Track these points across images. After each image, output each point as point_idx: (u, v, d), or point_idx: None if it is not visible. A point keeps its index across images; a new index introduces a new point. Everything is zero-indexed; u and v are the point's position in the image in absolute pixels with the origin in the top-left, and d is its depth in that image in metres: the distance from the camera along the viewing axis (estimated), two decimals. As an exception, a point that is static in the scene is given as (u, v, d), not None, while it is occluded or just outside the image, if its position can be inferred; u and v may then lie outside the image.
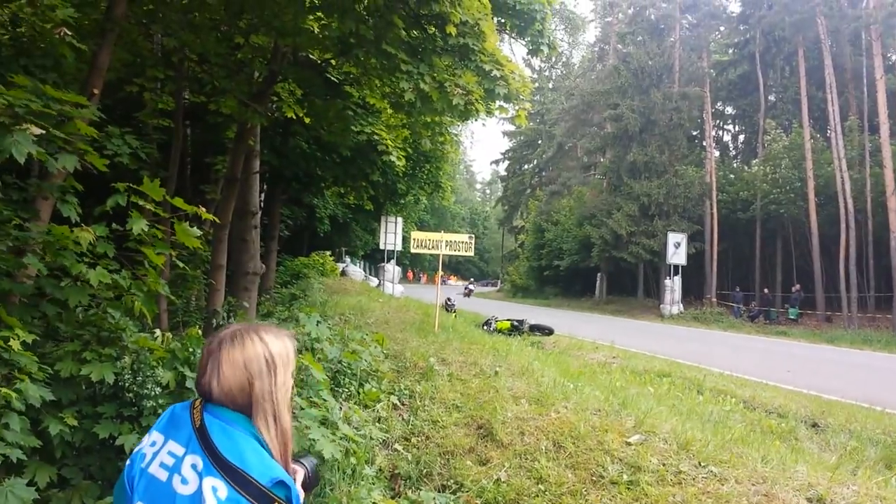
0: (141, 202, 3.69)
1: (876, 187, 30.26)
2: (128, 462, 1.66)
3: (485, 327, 16.76)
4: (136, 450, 1.67)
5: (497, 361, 7.33)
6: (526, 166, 70.39)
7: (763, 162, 37.21)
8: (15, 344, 3.17)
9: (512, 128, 67.28)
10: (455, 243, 10.88)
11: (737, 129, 49.66)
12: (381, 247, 25.75)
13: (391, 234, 25.20)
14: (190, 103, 8.74)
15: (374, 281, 33.84)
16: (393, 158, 11.33)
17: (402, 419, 5.70)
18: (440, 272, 12.65)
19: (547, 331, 16.93)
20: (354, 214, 24.09)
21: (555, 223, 51.73)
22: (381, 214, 23.81)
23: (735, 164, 45.04)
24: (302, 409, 4.10)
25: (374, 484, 3.87)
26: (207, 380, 1.62)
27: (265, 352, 1.66)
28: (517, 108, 6.78)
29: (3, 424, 3.03)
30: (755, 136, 43.49)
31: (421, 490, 4.56)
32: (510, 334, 15.67)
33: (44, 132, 3.13)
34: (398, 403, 5.93)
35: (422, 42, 6.36)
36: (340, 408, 4.30)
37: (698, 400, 9.01)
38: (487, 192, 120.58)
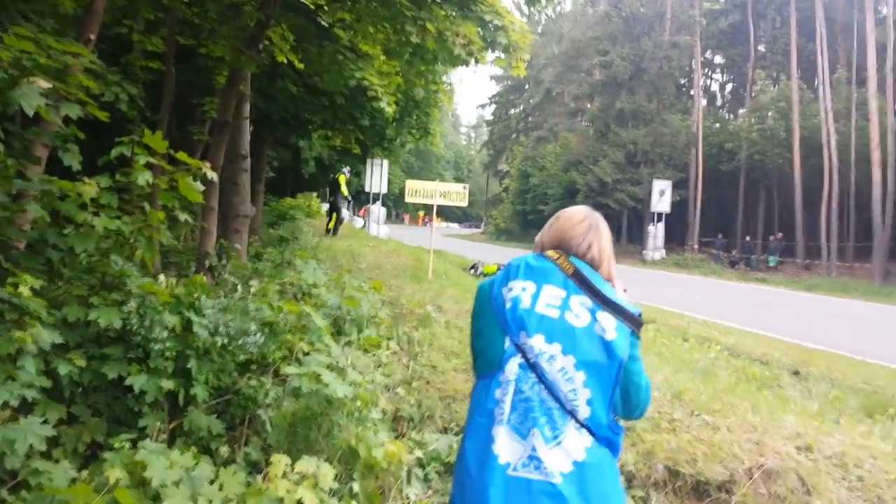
0: (144, 155, 3.72)
1: (861, 140, 30.48)
2: (508, 306, 1.94)
3: (471, 271, 16.91)
4: (508, 296, 1.96)
5: (493, 308, 7.44)
6: (512, 111, 69.90)
7: (750, 112, 37.29)
8: (24, 290, 3.23)
9: (500, 72, 66.40)
10: (449, 193, 10.95)
11: (725, 78, 49.58)
12: (367, 189, 25.71)
13: (377, 177, 25.18)
14: (179, 45, 8.58)
15: (359, 221, 33.87)
16: (383, 105, 11.18)
17: (402, 364, 5.82)
18: (434, 217, 12.68)
19: (533, 276, 17.09)
20: (340, 156, 23.86)
21: (540, 168, 51.75)
22: (368, 157, 23.65)
23: (722, 114, 45.04)
24: (307, 354, 4.22)
25: (378, 426, 4.02)
26: (586, 241, 2.09)
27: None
28: (516, 58, 6.75)
29: (19, 366, 3.12)
30: (743, 87, 43.45)
31: (424, 431, 4.73)
32: (496, 279, 15.83)
33: (50, 86, 3.13)
34: (397, 349, 6.07)
35: (421, -11, 6.30)
36: (343, 353, 4.42)
37: (684, 346, 9.24)
38: (472, 135, 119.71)
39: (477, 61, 7.20)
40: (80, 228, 3.77)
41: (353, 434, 3.78)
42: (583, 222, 2.13)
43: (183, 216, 3.98)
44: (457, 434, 4.76)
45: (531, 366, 1.88)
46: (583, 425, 1.86)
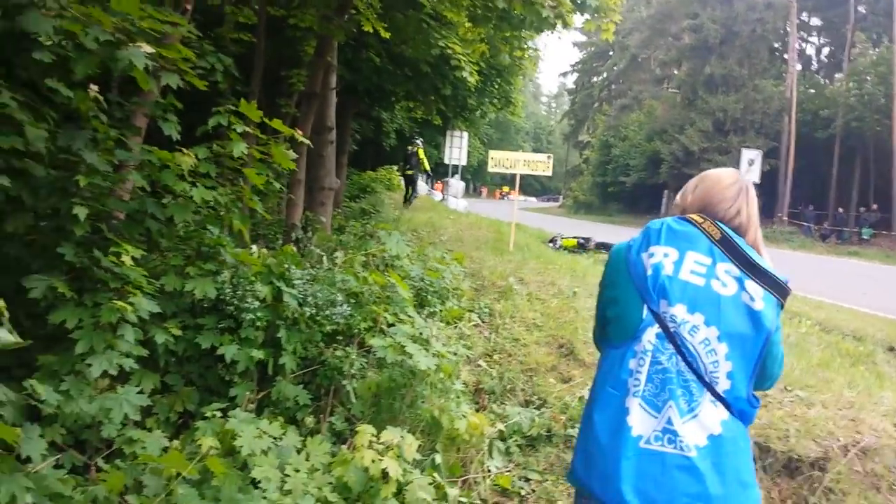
0: (239, 124, 3.76)
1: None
2: (649, 273, 1.86)
3: (550, 244, 16.72)
4: (650, 262, 1.87)
5: (574, 282, 7.36)
6: (595, 79, 68.23)
7: (848, 77, 35.24)
8: (127, 259, 3.32)
9: (583, 38, 64.74)
10: (533, 162, 10.79)
11: (821, 41, 46.89)
12: (446, 161, 25.53)
13: (456, 149, 24.95)
14: (269, 16, 8.67)
15: (437, 195, 33.91)
16: (465, 74, 11.05)
17: (484, 337, 5.82)
18: (517, 190, 12.50)
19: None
20: (421, 128, 23.89)
21: (623, 138, 50.43)
22: (448, 129, 23.51)
23: (817, 79, 42.78)
24: (391, 325, 4.23)
25: (461, 398, 4.01)
26: (735, 206, 1.98)
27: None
28: (605, 21, 6.53)
29: (119, 336, 3.22)
30: (841, 50, 41.09)
31: (506, 405, 4.70)
32: (576, 252, 15.62)
33: (154, 51, 3.18)
34: (479, 321, 6.04)
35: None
36: (426, 325, 4.41)
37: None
38: (553, 105, 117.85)
39: (565, 24, 6.99)
40: (177, 199, 3.86)
41: (435, 405, 3.78)
42: (733, 185, 2.03)
43: (277, 185, 4.02)
44: (538, 408, 4.71)
45: (670, 336, 1.81)
46: (719, 398, 1.79)
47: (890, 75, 31.68)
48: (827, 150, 36.54)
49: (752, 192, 2.05)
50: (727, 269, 1.83)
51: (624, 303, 1.91)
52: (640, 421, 1.79)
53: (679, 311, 1.81)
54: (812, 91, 39.84)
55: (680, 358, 1.79)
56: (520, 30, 7.98)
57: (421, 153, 20.11)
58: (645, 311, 1.84)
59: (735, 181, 2.04)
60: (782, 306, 1.86)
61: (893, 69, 31.48)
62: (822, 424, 4.13)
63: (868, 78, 33.21)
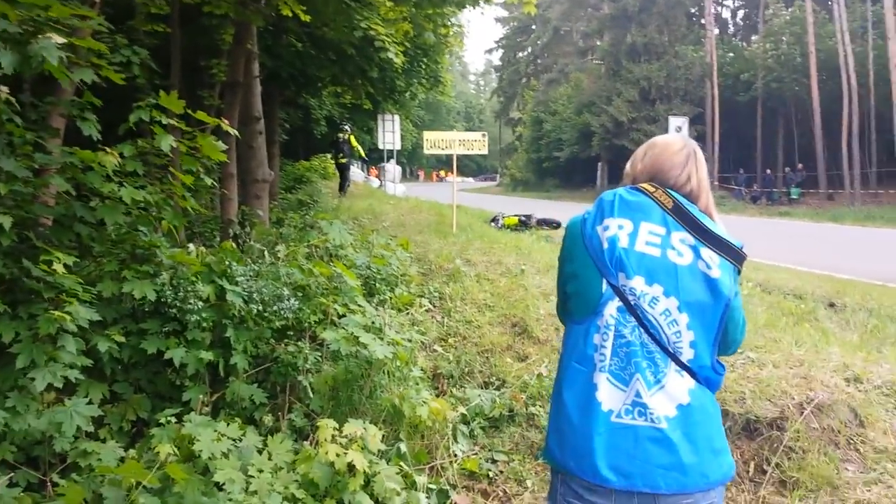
0: (162, 117, 3.61)
1: (878, 60, 29.69)
2: (605, 246, 1.83)
3: (492, 224, 16.81)
4: (605, 236, 1.84)
5: (521, 260, 7.38)
6: (520, 54, 68.55)
7: (764, 38, 36.36)
8: (59, 267, 3.17)
9: (505, 13, 64.89)
10: (468, 142, 10.77)
11: (736, 4, 48.23)
12: (380, 146, 25.31)
13: (389, 133, 24.75)
14: (182, 5, 8.37)
15: (374, 182, 33.67)
16: (391, 55, 10.91)
17: (437, 321, 5.80)
18: (453, 172, 12.49)
19: (554, 224, 16.99)
20: (351, 114, 23.60)
21: (553, 113, 50.93)
22: (378, 113, 23.28)
23: (735, 42, 43.97)
24: (342, 316, 4.16)
25: (420, 384, 3.97)
26: (685, 172, 1.97)
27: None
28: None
29: (59, 347, 3.08)
30: (756, 12, 42.36)
31: (465, 388, 4.69)
32: (518, 229, 15.74)
33: (66, 41, 3.00)
34: (430, 306, 6.00)
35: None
36: (378, 313, 4.35)
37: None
38: (482, 83, 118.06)
39: (488, 1, 6.97)
40: (105, 200, 3.69)
41: (395, 394, 3.73)
42: (681, 151, 2.01)
43: (209, 180, 3.88)
44: (498, 388, 4.72)
45: (630, 308, 1.80)
46: (684, 367, 1.80)
47: (804, 34, 32.78)
48: (750, 112, 37.68)
49: (701, 156, 2.04)
50: (682, 238, 1.82)
51: (583, 278, 1.89)
52: (609, 396, 1.79)
53: (638, 284, 1.80)
54: (731, 55, 40.90)
55: (643, 330, 1.79)
56: (441, 7, 7.92)
57: (352, 140, 19.83)
58: (604, 286, 1.82)
59: (683, 146, 2.03)
60: (739, 272, 1.86)
61: (807, 28, 32.57)
62: (776, 384, 4.23)
63: (784, 38, 34.30)
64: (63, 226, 3.65)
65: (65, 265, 3.20)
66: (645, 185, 1.94)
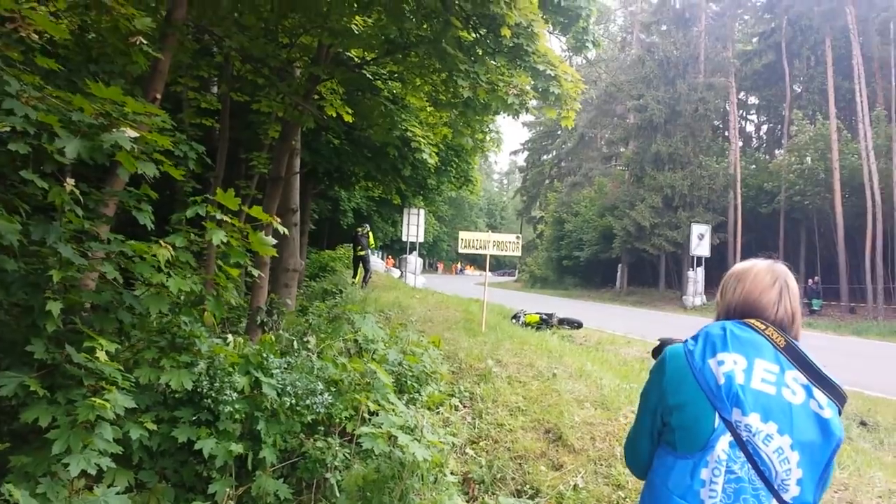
0: (217, 212, 3.73)
1: (902, 179, 29.88)
2: (721, 381, 1.84)
3: (514, 321, 16.74)
4: (721, 370, 1.85)
5: (552, 363, 7.33)
6: (545, 157, 70.00)
7: (788, 153, 36.85)
8: (101, 355, 3.21)
9: (532, 118, 66.70)
10: (503, 243, 10.90)
11: (761, 119, 49.22)
12: (404, 238, 25.76)
13: (413, 226, 25.23)
14: (232, 102, 8.79)
15: (394, 272, 33.91)
16: (425, 156, 11.25)
17: (468, 422, 5.72)
18: (486, 268, 12.54)
19: (576, 324, 16.89)
20: (378, 206, 24.13)
21: (575, 214, 51.58)
22: (405, 206, 23.81)
23: (759, 155, 44.62)
24: (373, 413, 4.13)
25: (451, 489, 3.89)
26: (781, 306, 2.00)
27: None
28: (566, 108, 6.73)
29: (97, 434, 3.08)
30: (780, 127, 43.12)
31: (498, 495, 4.57)
32: (540, 328, 15.65)
33: (138, 135, 3.16)
34: (460, 406, 5.95)
35: (475, 43, 6.35)
36: (412, 412, 4.32)
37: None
38: (505, 182, 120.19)
39: (527, 110, 7.22)
40: (150, 289, 3.77)
41: (427, 499, 3.66)
42: (773, 287, 2.04)
43: (256, 272, 3.95)
44: (532, 497, 4.59)
45: (741, 444, 1.81)
46: None
47: (828, 151, 33.23)
48: (772, 222, 37.80)
49: (793, 285, 2.06)
50: (795, 377, 1.86)
51: (692, 411, 1.88)
52: None
53: (753, 421, 1.81)
54: (754, 167, 41.41)
55: (751, 467, 1.80)
56: (483, 115, 8.19)
57: (370, 235, 20.16)
58: (717, 420, 1.83)
59: (774, 280, 2.05)
60: (840, 413, 1.88)
61: (831, 144, 33.04)
62: (821, 508, 4.11)
63: (808, 154, 34.76)
64: (106, 311, 3.70)
65: (107, 352, 3.25)
66: (754, 322, 1.96)
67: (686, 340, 1.99)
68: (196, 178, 8.21)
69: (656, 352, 2.18)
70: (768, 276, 2.06)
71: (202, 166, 7.60)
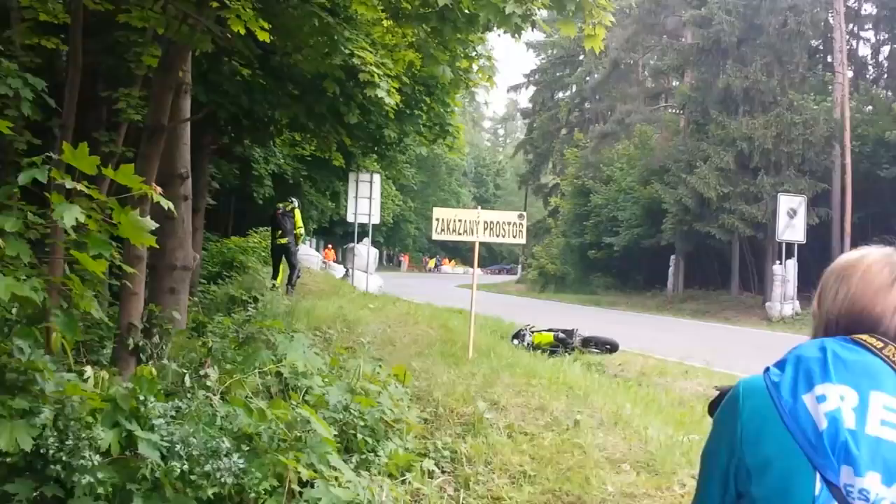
0: (66, 180, 3.69)
1: None
2: (823, 426, 1.77)
3: (516, 342, 16.77)
4: (821, 410, 1.79)
5: (573, 405, 7.33)
6: (561, 94, 70.27)
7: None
8: None
9: (541, 37, 66.67)
10: (499, 225, 10.64)
11: (880, 38, 49.51)
12: (350, 219, 25.18)
13: (364, 200, 24.49)
14: (88, 13, 8.67)
15: (337, 269, 33.84)
16: (381, 93, 11.11)
17: (448, 496, 5.72)
18: (475, 261, 12.52)
19: (608, 346, 16.97)
20: (310, 170, 23.68)
21: (605, 181, 51.73)
22: (351, 171, 23.26)
23: (877, 92, 44.93)
24: (306, 483, 4.13)
25: None
26: None
27: None
28: (593, 21, 6.73)
29: None
30: (907, 49, 43.43)
31: None
32: (555, 352, 15.68)
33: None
34: (436, 470, 5.96)
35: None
36: (362, 480, 4.33)
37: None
38: (501, 132, 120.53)
39: (534, 25, 7.17)
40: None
41: None
42: (893, 285, 2.00)
43: (129, 270, 3.93)
44: None
45: None
46: None
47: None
48: (898, 191, 38.17)
49: None
50: None
51: (782, 473, 1.85)
52: None
53: (871, 484, 1.74)
54: (870, 108, 41.66)
55: None
56: (467, 31, 8.14)
57: (297, 215, 19.48)
58: (818, 485, 1.78)
59: (893, 276, 2.00)
60: None
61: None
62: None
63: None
64: None
65: None
66: (866, 339, 1.91)
67: (768, 369, 1.95)
68: (34, 128, 8.10)
69: (713, 406, 2.14)
70: (886, 272, 2.01)
71: (42, 110, 7.54)
